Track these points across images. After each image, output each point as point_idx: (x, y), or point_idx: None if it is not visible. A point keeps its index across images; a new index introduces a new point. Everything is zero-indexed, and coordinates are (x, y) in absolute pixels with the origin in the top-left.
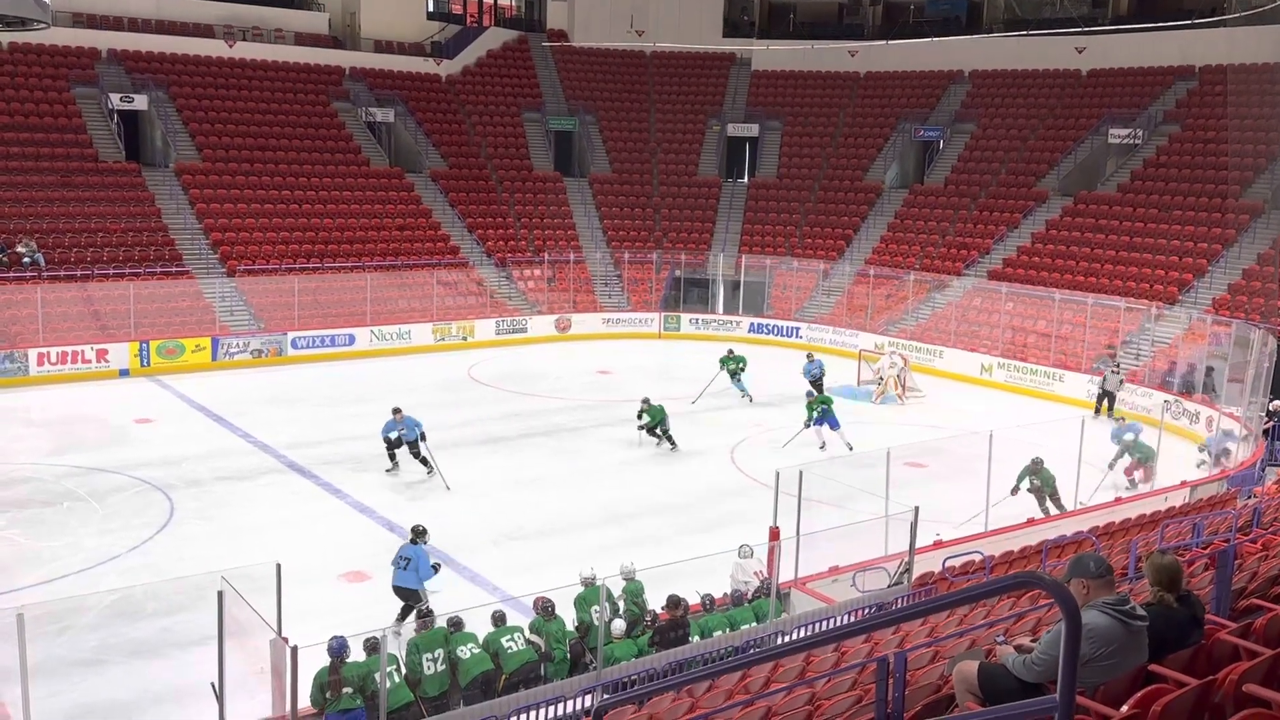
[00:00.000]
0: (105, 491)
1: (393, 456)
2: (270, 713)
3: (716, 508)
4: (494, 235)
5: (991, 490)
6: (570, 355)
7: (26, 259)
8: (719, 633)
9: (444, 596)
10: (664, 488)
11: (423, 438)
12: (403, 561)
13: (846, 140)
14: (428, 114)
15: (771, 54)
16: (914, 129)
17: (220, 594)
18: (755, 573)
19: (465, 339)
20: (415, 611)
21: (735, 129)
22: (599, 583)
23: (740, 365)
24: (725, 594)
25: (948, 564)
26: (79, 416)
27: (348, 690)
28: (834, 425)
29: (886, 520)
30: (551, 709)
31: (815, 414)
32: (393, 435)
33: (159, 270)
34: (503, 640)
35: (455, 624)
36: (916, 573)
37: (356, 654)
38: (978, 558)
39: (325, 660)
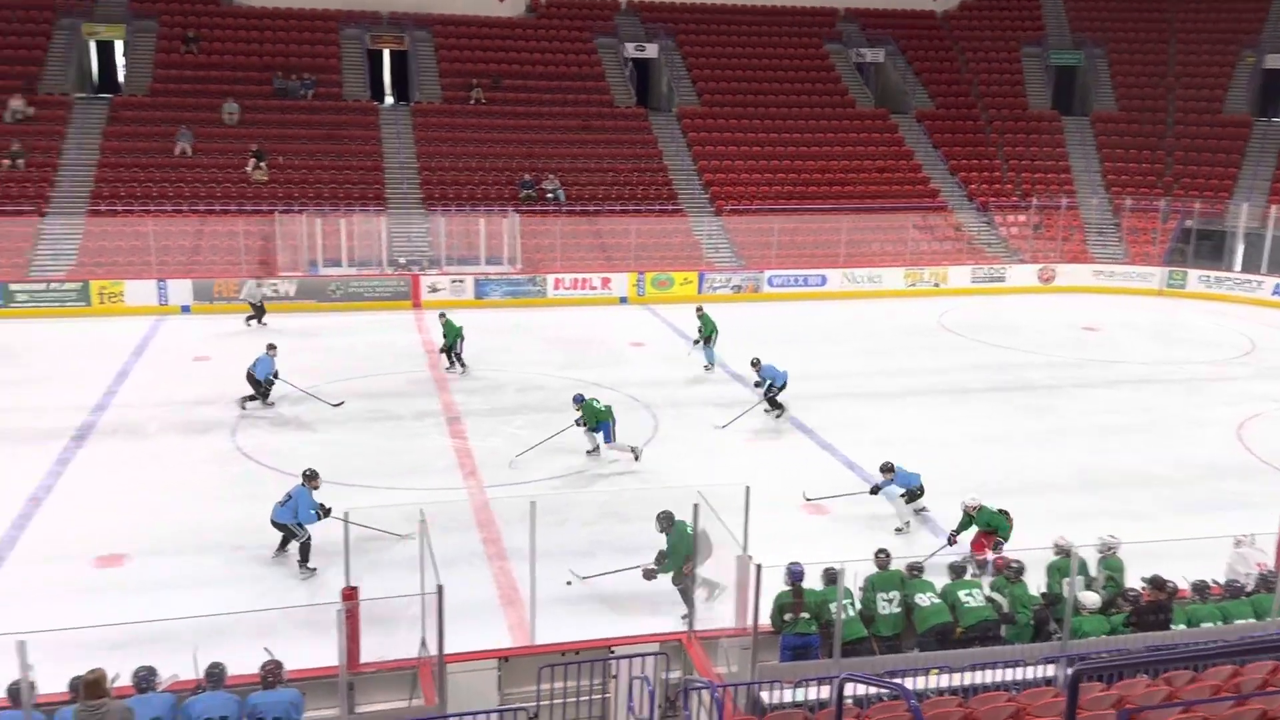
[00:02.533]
0: None
1: (265, 394)
2: (731, 624)
3: (1213, 486)
4: (978, 178)
5: None
6: (1052, 308)
7: (550, 194)
8: (1209, 624)
9: (906, 538)
10: (1151, 458)
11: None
12: (285, 498)
13: None
14: (919, 52)
15: None
16: None
17: (695, 507)
18: (1257, 565)
19: (937, 285)
20: (285, 543)
21: (1278, 60)
22: (1074, 552)
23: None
24: (1218, 582)
25: None
26: (585, 337)
27: (804, 615)
28: (608, 438)
29: None
30: (1010, 671)
31: (594, 422)
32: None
33: (657, 208)
34: (960, 593)
35: (915, 569)
36: None
37: (811, 583)
38: None
39: (779, 583)
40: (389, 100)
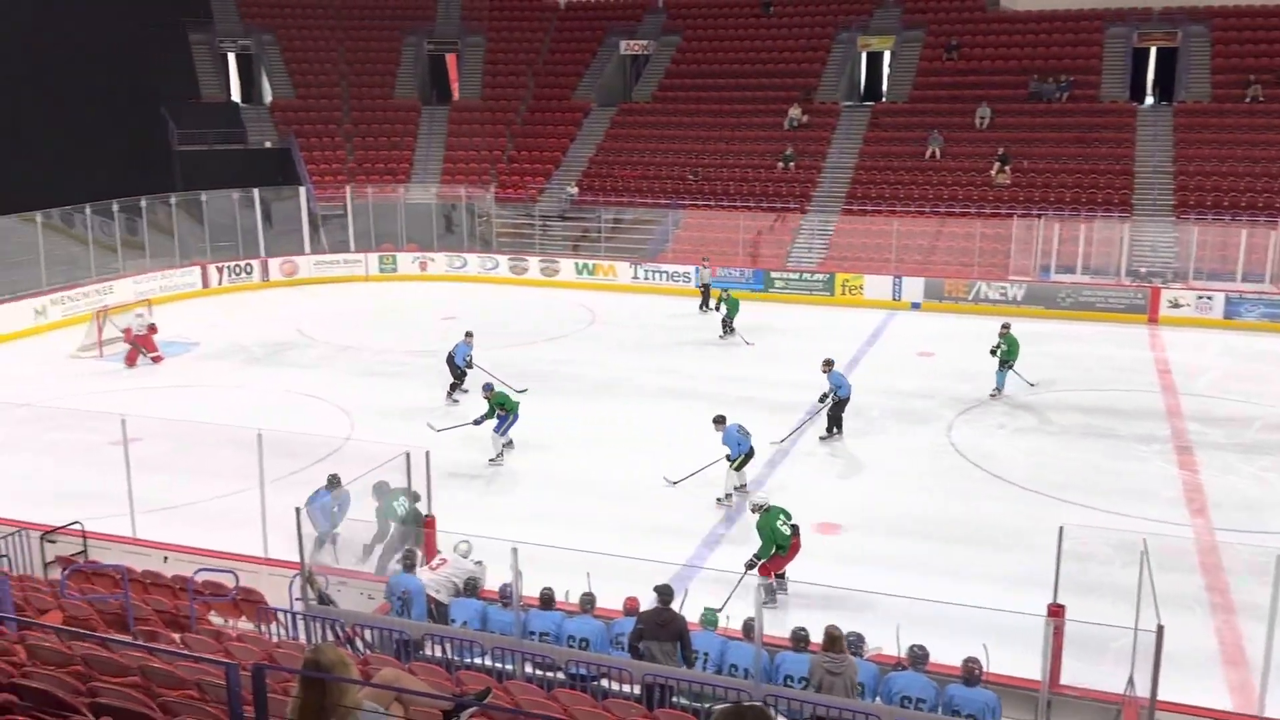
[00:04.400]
0: None
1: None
2: None
3: None
4: None
5: None
6: None
7: None
8: None
9: None
10: None
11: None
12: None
13: None
14: None
15: None
16: None
17: None
18: None
19: None
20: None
21: None
22: None
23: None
24: None
25: None
26: None
27: None
28: (503, 430)
29: None
30: None
31: (494, 413)
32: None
33: None
34: None
35: None
36: None
37: None
38: None
39: None
40: (1149, 101)
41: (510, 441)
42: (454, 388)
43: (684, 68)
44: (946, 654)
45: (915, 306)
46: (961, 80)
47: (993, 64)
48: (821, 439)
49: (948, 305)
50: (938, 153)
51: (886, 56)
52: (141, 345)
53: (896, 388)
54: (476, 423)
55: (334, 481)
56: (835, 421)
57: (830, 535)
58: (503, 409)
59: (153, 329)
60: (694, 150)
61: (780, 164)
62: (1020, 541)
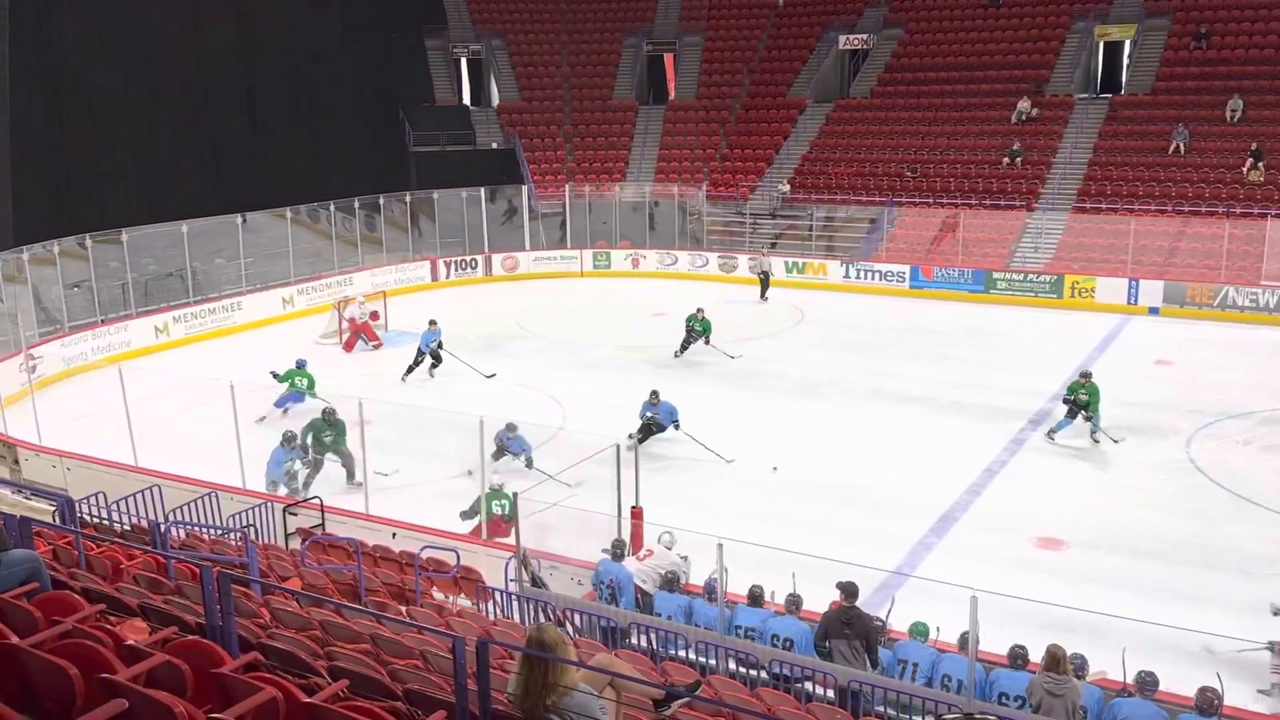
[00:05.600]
0: None
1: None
2: None
3: None
4: None
5: None
6: None
7: None
8: None
9: None
10: None
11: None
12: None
13: None
14: None
15: None
16: None
17: None
18: None
19: None
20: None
21: None
22: None
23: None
24: None
25: None
26: None
27: None
28: (281, 404)
29: None
30: None
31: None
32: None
33: None
34: None
35: None
36: None
37: None
38: None
39: None
40: None
41: (285, 412)
42: (410, 370)
43: (905, 61)
44: (1177, 683)
45: (1153, 311)
46: (1211, 70)
47: (1246, 53)
48: (630, 435)
49: (1190, 311)
50: (1182, 148)
51: (1126, 46)
52: (362, 332)
53: (1130, 398)
54: (279, 390)
55: (289, 438)
56: (646, 432)
57: (1053, 551)
58: (294, 387)
59: (374, 316)
60: (912, 147)
61: (1006, 159)
62: (1266, 569)
